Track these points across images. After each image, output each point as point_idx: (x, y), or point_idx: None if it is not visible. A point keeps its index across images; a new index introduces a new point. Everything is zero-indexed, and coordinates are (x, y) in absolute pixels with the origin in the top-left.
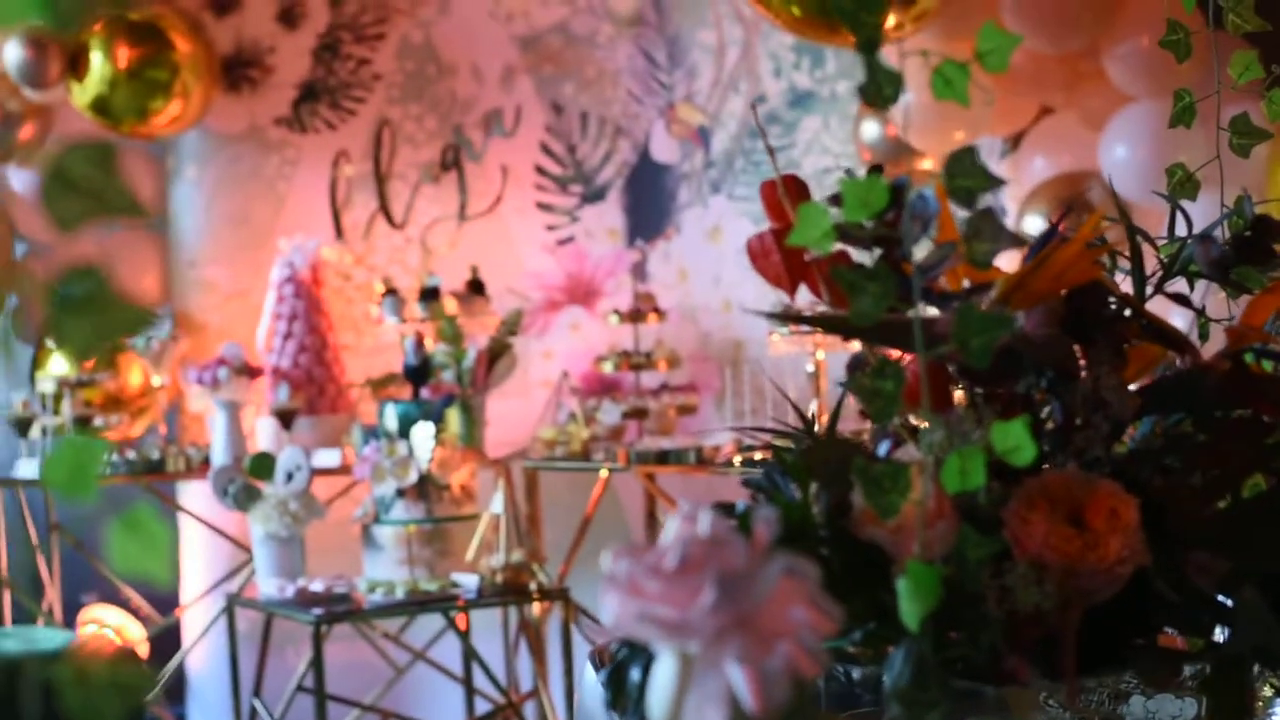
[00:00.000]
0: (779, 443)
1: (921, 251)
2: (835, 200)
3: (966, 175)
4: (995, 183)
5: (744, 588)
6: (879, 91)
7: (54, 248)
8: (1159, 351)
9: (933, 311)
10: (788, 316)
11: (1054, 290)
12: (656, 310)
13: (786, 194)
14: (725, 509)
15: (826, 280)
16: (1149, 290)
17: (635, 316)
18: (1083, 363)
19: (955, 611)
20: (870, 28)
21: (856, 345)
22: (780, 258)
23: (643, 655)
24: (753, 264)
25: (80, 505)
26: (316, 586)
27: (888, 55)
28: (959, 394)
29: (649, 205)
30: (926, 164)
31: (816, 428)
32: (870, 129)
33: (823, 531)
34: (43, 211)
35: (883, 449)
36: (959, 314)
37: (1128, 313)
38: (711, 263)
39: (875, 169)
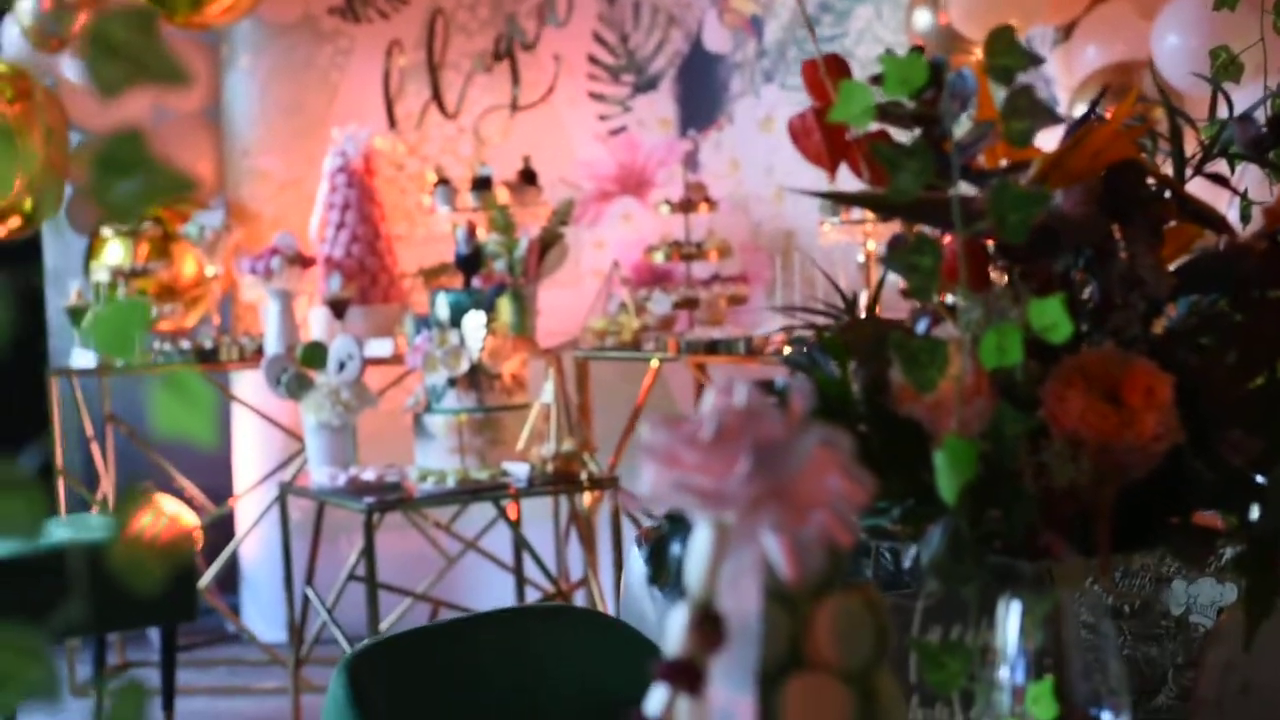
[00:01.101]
0: (820, 323)
1: (960, 130)
2: (877, 80)
3: (1005, 54)
4: (1033, 61)
5: (779, 458)
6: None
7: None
8: (1197, 231)
9: (970, 190)
10: (828, 195)
11: (1092, 169)
12: (708, 200)
13: (828, 73)
14: (764, 385)
15: (867, 159)
16: (1188, 172)
17: (686, 206)
18: (1120, 242)
19: (992, 488)
20: None
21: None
22: (821, 136)
23: (683, 530)
24: (793, 142)
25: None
26: (368, 475)
27: None
28: (996, 273)
29: (701, 95)
30: (978, 55)
31: (858, 308)
32: (922, 17)
33: (861, 408)
34: (86, 78)
35: (921, 326)
36: (995, 190)
37: (1166, 193)
38: (764, 153)
39: (916, 49)
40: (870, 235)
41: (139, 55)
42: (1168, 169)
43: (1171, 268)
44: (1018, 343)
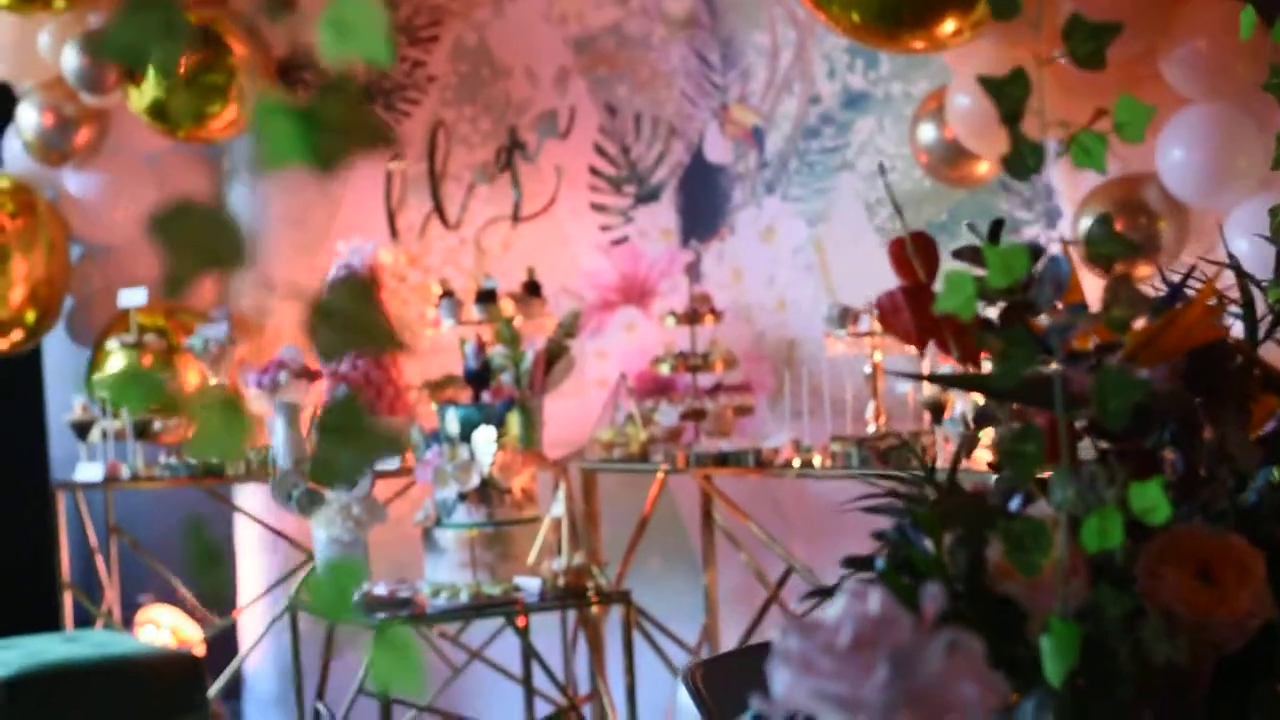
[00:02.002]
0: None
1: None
2: (961, 255)
3: (1105, 243)
4: (1134, 250)
5: (913, 663)
6: (1022, 161)
7: (110, 251)
8: (1277, 403)
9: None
10: (929, 378)
11: (1180, 348)
12: (713, 311)
13: (916, 252)
14: (861, 563)
15: (955, 336)
16: (1260, 336)
17: (692, 318)
18: (1204, 416)
19: (1089, 665)
20: (1014, 101)
21: (912, 350)
22: (910, 315)
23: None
24: (880, 320)
25: (340, 624)
26: (380, 590)
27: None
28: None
29: (703, 205)
30: (983, 167)
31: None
32: (927, 131)
33: (958, 585)
34: (306, 341)
35: (1014, 504)
36: (1099, 377)
37: (1251, 368)
38: (766, 263)
39: (997, 224)
40: (877, 347)
41: (358, 323)
42: (1237, 329)
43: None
44: (1119, 526)
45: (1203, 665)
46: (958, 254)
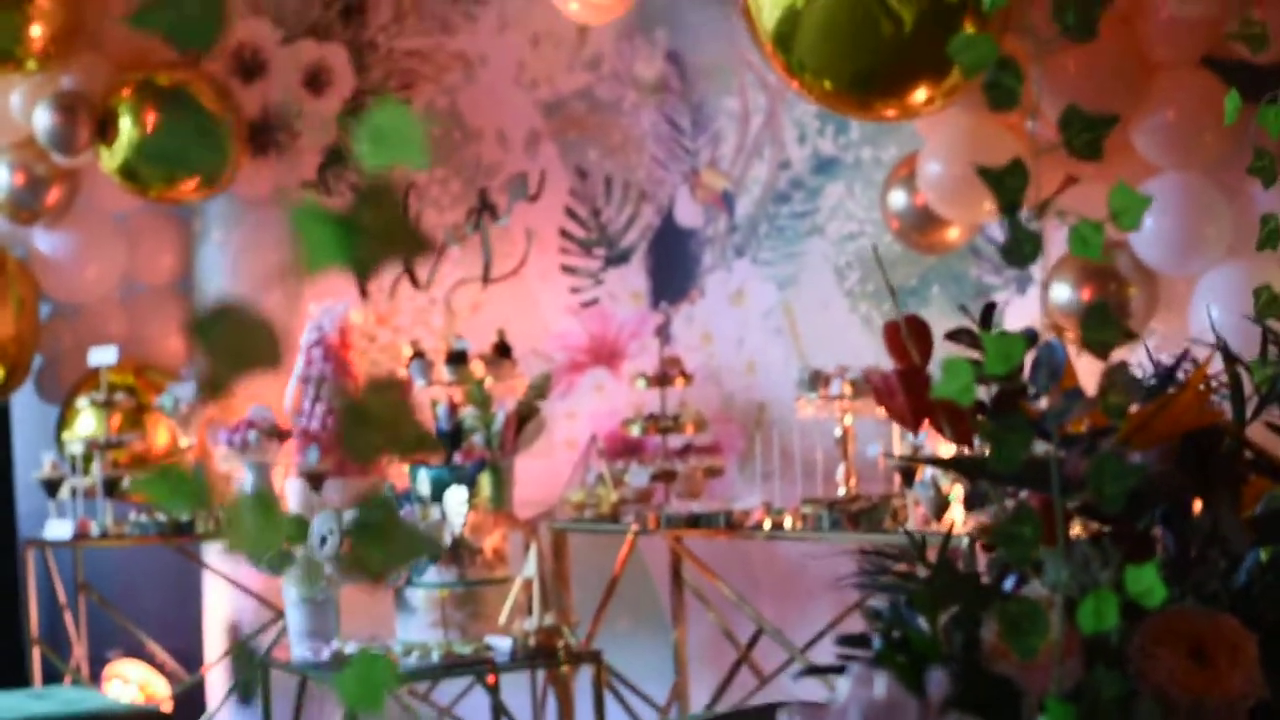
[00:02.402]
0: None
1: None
2: (954, 337)
3: (1101, 329)
4: (1130, 337)
5: None
6: (1019, 250)
7: (79, 309)
8: (1267, 484)
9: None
10: (926, 460)
11: (1173, 431)
12: (684, 374)
13: (910, 335)
14: (858, 641)
15: (949, 418)
16: (1248, 416)
17: (662, 380)
18: (1196, 499)
19: None
20: (1012, 192)
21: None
22: (905, 397)
23: None
24: (877, 400)
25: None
26: (350, 649)
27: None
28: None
29: (673, 268)
30: (953, 233)
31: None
32: (898, 197)
33: (954, 665)
34: (340, 444)
35: (1008, 584)
36: (1096, 462)
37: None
38: (735, 326)
39: (989, 307)
40: (847, 410)
41: (390, 425)
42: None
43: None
44: (1114, 608)
45: None
46: (951, 336)
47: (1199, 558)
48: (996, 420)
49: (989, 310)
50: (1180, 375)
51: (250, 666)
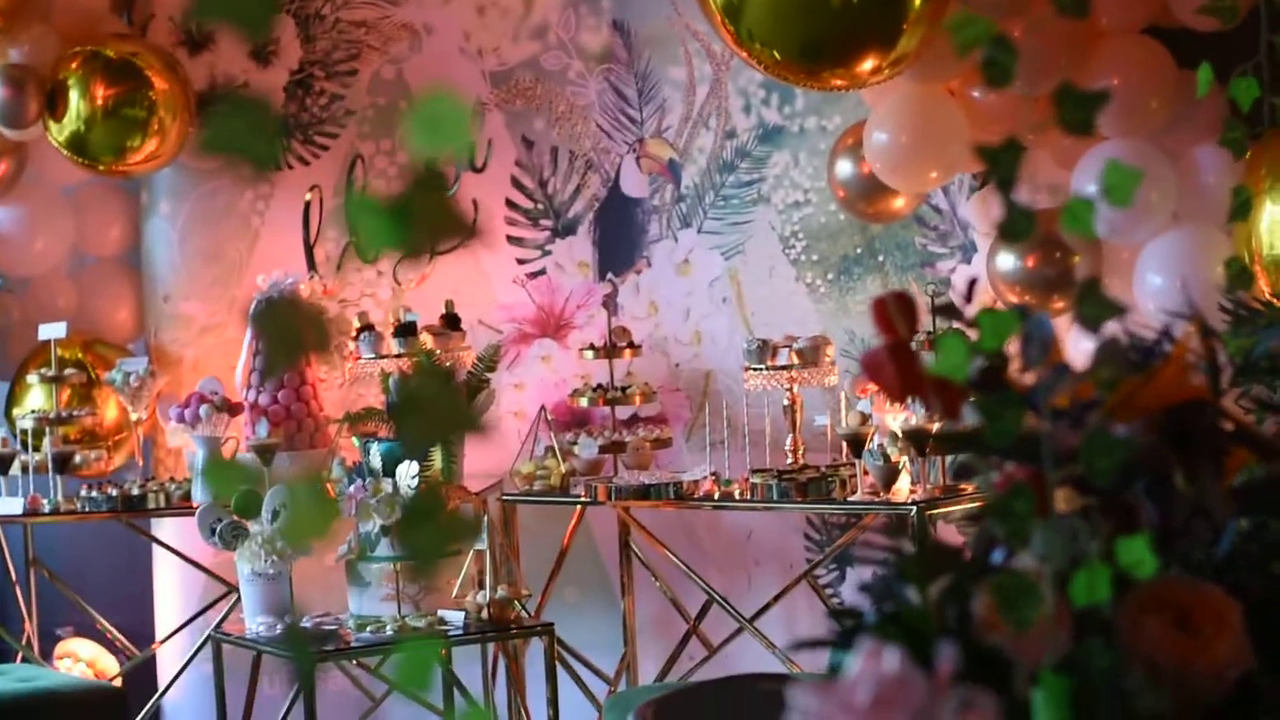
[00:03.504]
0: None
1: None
2: (941, 311)
3: (1093, 304)
4: (1121, 311)
5: None
6: (1015, 227)
7: (28, 283)
8: (1248, 455)
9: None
10: (942, 437)
11: (1157, 404)
12: (632, 345)
13: (897, 311)
14: (850, 614)
15: (938, 392)
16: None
17: (610, 351)
18: (1180, 471)
19: (1080, 716)
20: (1008, 168)
21: (832, 380)
22: (894, 371)
23: None
24: (866, 374)
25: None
26: (304, 623)
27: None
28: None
29: (619, 239)
30: (899, 203)
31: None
32: (844, 167)
33: (945, 636)
34: (393, 429)
35: (997, 556)
36: (1088, 438)
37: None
38: (681, 295)
39: (972, 283)
40: (794, 381)
41: (442, 410)
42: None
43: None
44: (1106, 581)
45: (1187, 716)
46: (937, 310)
47: (1183, 529)
48: (988, 395)
49: (972, 285)
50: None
51: (306, 655)
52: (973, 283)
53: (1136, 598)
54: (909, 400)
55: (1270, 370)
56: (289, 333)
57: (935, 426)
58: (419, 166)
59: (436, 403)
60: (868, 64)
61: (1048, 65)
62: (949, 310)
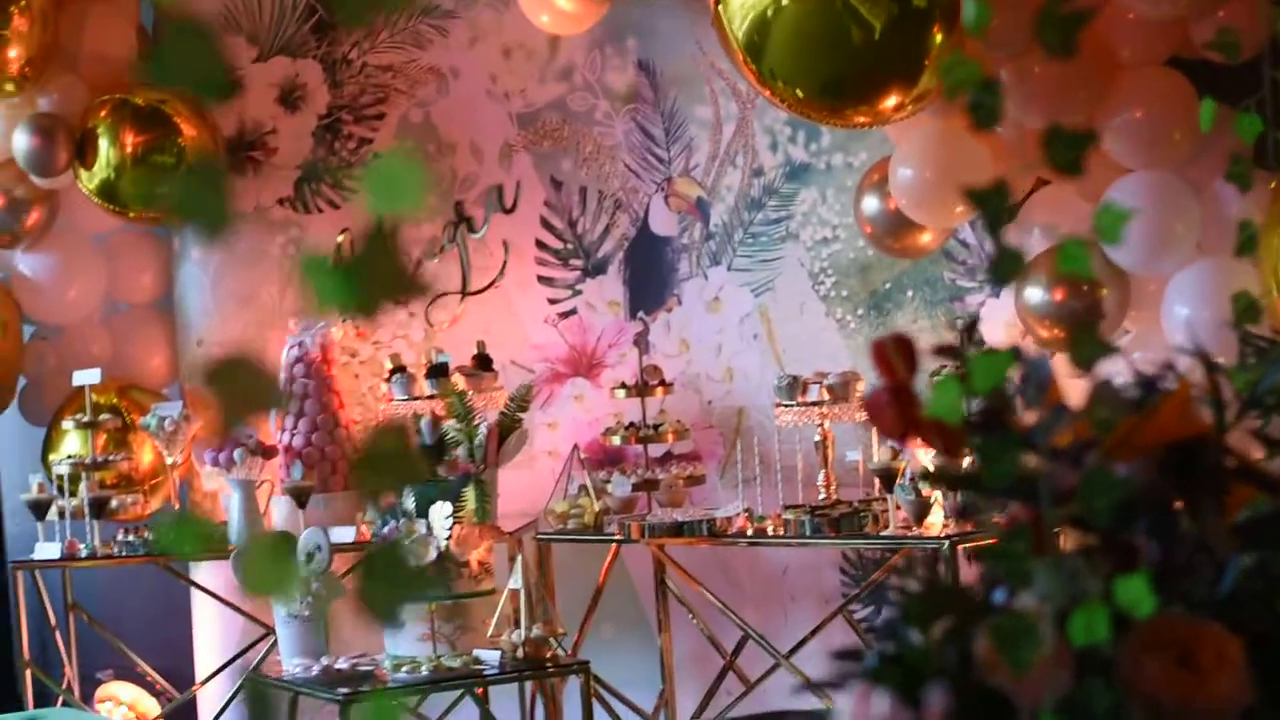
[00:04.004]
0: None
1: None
2: (941, 352)
3: (1088, 345)
4: (1113, 351)
5: None
6: (1003, 268)
7: (62, 330)
8: (1251, 491)
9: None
10: (937, 476)
11: (1157, 441)
12: (664, 383)
13: (896, 352)
14: (852, 655)
15: (938, 433)
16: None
17: (642, 390)
18: (1182, 508)
19: None
20: (997, 210)
21: (863, 416)
22: (894, 412)
23: None
24: (868, 415)
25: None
26: (341, 665)
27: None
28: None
29: (649, 277)
30: (925, 238)
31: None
32: (870, 203)
33: (948, 678)
34: (354, 485)
35: (999, 596)
36: (1085, 477)
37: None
38: (712, 332)
39: (972, 321)
40: (825, 416)
41: (400, 466)
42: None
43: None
44: (1104, 620)
45: None
46: (938, 351)
47: (1185, 566)
48: (985, 436)
49: (972, 325)
50: (1161, 384)
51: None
52: (973, 322)
53: (1137, 636)
54: (909, 440)
55: (1276, 405)
56: (239, 391)
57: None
58: (372, 225)
59: (393, 457)
60: (890, 101)
61: (1069, 99)
62: (950, 351)
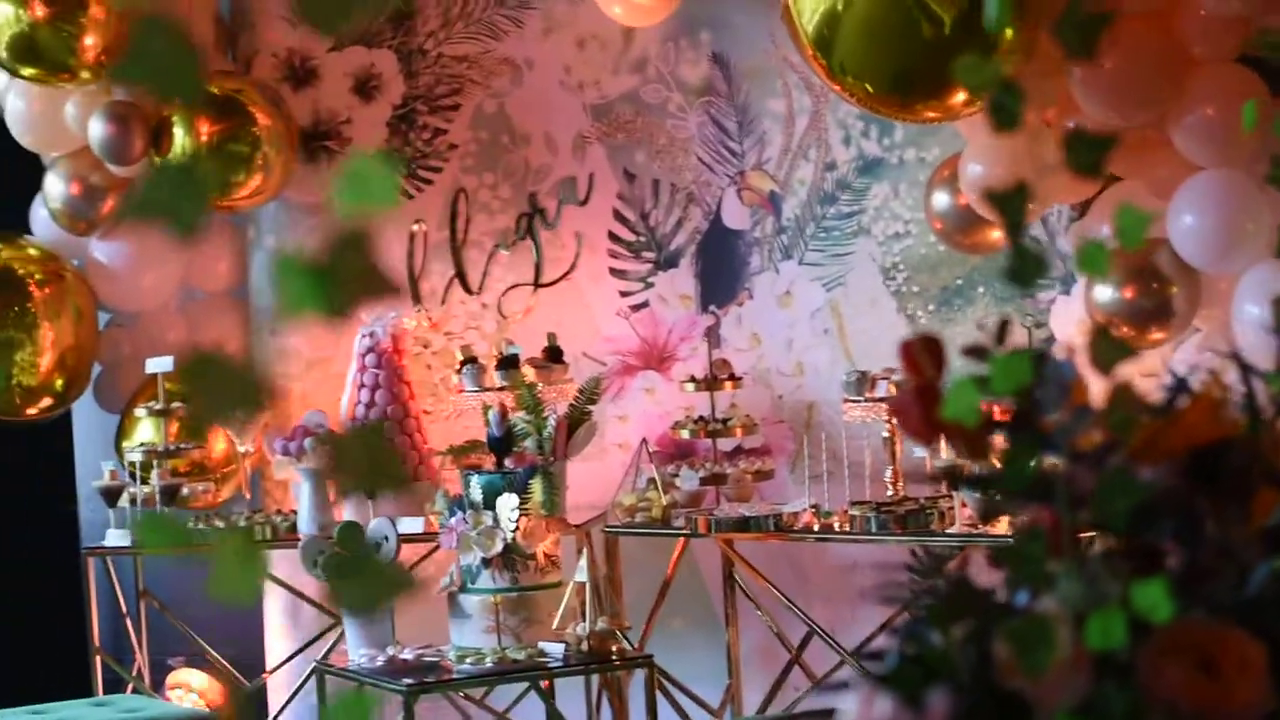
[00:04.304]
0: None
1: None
2: (969, 353)
3: (1106, 348)
4: (1134, 354)
5: None
6: (1023, 273)
7: (137, 317)
8: (1277, 496)
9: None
10: (947, 474)
11: (1183, 445)
12: (733, 377)
13: (923, 353)
14: (878, 655)
15: (962, 435)
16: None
17: (711, 384)
18: (1208, 512)
19: None
20: (1016, 212)
21: None
22: (919, 413)
23: None
24: (896, 418)
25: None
26: (406, 655)
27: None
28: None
29: (721, 271)
30: (996, 233)
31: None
32: (941, 199)
33: (967, 680)
34: (326, 477)
35: (1021, 599)
36: (1102, 479)
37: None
38: (783, 327)
39: (1003, 324)
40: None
41: (372, 465)
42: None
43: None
44: (1121, 625)
45: None
46: (966, 351)
47: (1209, 571)
48: (1005, 438)
49: (1003, 327)
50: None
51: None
52: (1004, 324)
53: (1158, 641)
54: (935, 441)
55: None
56: (218, 390)
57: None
58: (344, 227)
59: (371, 458)
60: (960, 96)
61: (1142, 95)
62: (977, 351)
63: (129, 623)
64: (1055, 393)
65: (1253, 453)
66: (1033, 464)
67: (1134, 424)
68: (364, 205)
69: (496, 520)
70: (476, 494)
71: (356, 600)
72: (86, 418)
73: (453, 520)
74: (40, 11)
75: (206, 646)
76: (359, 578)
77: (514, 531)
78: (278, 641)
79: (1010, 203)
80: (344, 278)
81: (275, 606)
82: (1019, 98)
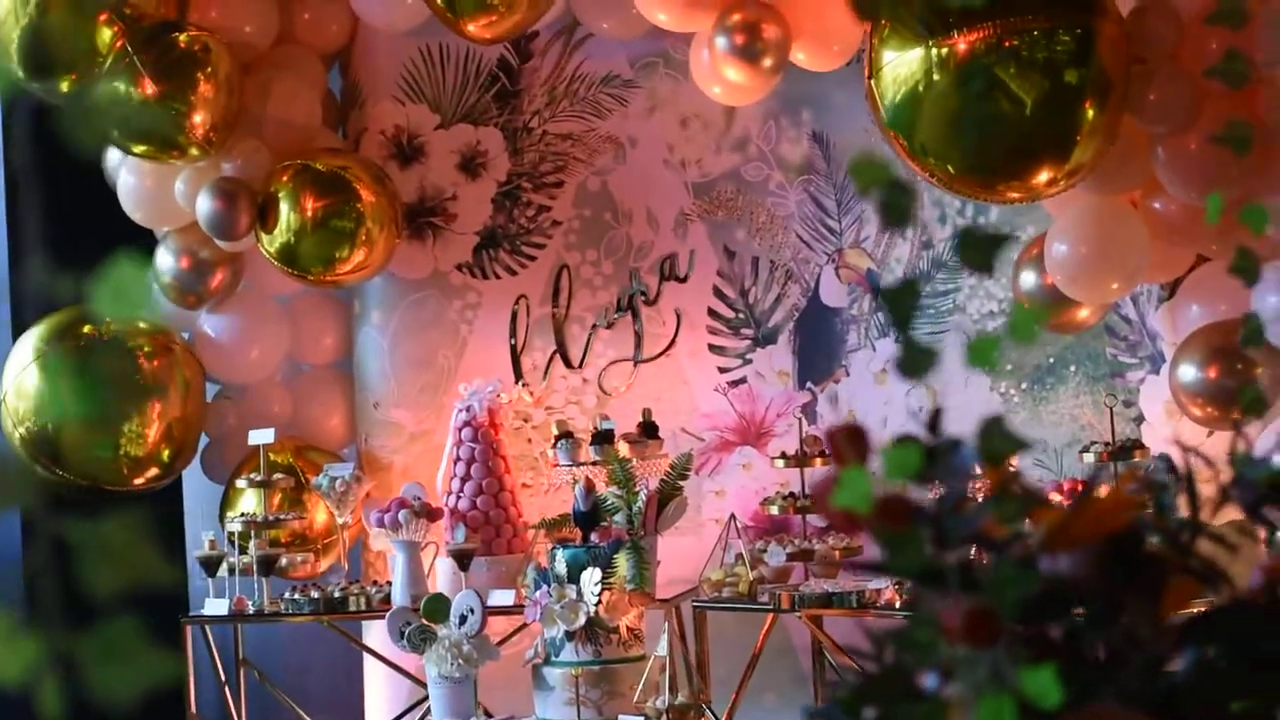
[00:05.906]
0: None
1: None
2: (900, 441)
3: (997, 440)
4: (1022, 446)
5: None
6: (913, 363)
7: (244, 392)
8: (1197, 587)
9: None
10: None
11: (1094, 535)
12: (824, 454)
13: (846, 442)
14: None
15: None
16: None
17: (803, 460)
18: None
19: None
20: (905, 309)
21: None
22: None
23: None
24: (817, 509)
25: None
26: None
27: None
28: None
29: (819, 348)
30: (1083, 313)
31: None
32: (1028, 278)
33: None
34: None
35: (930, 682)
36: (994, 569)
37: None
38: (878, 404)
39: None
40: (979, 490)
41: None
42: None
43: (1176, 623)
44: (1011, 712)
45: None
46: (899, 440)
47: (1117, 658)
48: (895, 530)
49: (936, 417)
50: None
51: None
52: (936, 413)
53: None
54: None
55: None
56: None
57: None
58: (101, 332)
59: (126, 551)
60: (1043, 176)
61: (1225, 176)
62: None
63: (227, 692)
64: (956, 483)
65: (1169, 543)
66: (914, 553)
67: (1020, 516)
68: (121, 311)
69: (580, 594)
70: (561, 568)
71: (117, 687)
72: (194, 488)
73: (538, 594)
74: (150, 89)
75: (306, 717)
76: (118, 666)
77: (596, 605)
78: (377, 714)
79: (898, 299)
80: (105, 379)
81: (375, 678)
82: (909, 196)
